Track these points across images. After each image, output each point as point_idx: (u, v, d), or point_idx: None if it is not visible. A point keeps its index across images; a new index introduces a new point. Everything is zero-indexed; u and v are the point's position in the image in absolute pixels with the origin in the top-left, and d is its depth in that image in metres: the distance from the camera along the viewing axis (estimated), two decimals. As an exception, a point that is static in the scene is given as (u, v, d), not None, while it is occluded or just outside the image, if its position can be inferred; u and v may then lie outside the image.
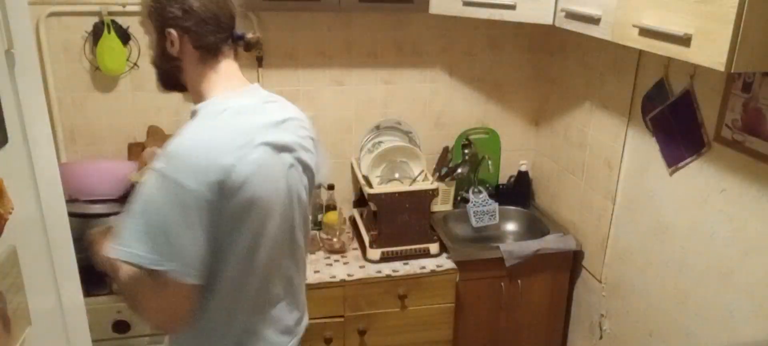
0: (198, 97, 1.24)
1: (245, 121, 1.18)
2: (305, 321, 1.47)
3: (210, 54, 1.22)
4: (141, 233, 1.06)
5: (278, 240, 1.25)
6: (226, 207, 1.10)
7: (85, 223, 1.98)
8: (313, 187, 1.39)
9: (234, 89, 1.24)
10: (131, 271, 1.14)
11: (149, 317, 1.18)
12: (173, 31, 1.18)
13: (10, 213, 0.90)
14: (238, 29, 1.29)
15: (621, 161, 1.99)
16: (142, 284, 1.12)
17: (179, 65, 1.23)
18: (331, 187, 2.32)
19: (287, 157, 1.24)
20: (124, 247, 1.06)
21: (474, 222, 2.36)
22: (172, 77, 1.26)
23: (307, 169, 1.32)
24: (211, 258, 1.13)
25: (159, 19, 1.19)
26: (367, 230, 2.21)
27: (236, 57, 1.29)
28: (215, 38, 1.21)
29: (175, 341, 1.30)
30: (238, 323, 1.26)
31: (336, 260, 2.14)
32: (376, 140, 2.31)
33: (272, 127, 1.22)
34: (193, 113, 1.20)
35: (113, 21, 2.08)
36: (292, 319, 1.39)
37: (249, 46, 1.30)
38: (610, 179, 2.05)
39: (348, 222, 2.38)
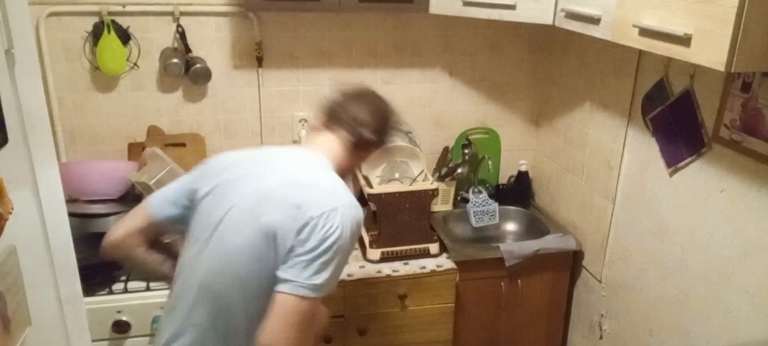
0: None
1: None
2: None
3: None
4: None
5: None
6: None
7: (85, 223, 1.98)
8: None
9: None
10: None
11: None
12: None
13: (10, 213, 0.90)
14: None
15: (621, 161, 1.99)
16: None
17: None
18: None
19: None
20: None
21: (474, 222, 2.36)
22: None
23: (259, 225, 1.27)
24: None
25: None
26: (367, 230, 2.21)
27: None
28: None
29: None
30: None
31: (336, 260, 2.14)
32: (376, 140, 2.30)
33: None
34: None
35: (113, 21, 2.08)
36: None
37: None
38: (610, 178, 2.05)
39: (348, 222, 2.37)
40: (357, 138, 1.45)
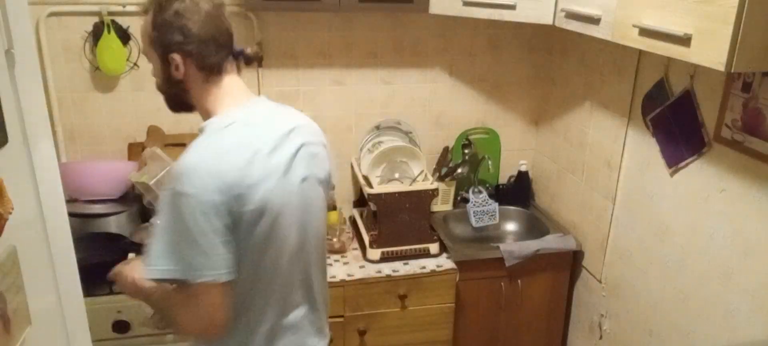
0: (206, 115, 1.27)
1: (252, 133, 1.21)
2: None
3: (213, 73, 1.25)
4: (167, 250, 1.12)
5: (292, 247, 1.27)
6: (242, 213, 1.15)
7: (85, 223, 1.98)
8: (326, 193, 1.41)
9: (239, 104, 1.27)
10: (163, 289, 1.20)
11: (189, 329, 1.21)
12: (176, 56, 1.21)
13: (10, 213, 0.90)
14: (238, 44, 1.32)
15: (621, 161, 1.99)
16: (176, 299, 1.18)
17: (184, 87, 1.26)
18: (331, 187, 2.32)
19: (299, 170, 1.27)
20: (156, 266, 1.12)
21: (474, 222, 2.36)
22: (180, 99, 1.30)
23: (320, 181, 1.35)
24: (235, 258, 1.18)
25: (161, 45, 1.22)
26: (367, 230, 2.21)
27: (239, 72, 1.31)
28: (217, 57, 1.24)
29: None
30: (262, 329, 1.29)
31: (336, 260, 2.14)
32: (376, 140, 2.31)
33: (282, 138, 1.26)
34: (201, 130, 1.22)
35: (113, 21, 2.08)
36: (315, 338, 1.39)
37: (249, 60, 1.33)
38: (610, 179, 2.05)
39: (348, 222, 2.38)
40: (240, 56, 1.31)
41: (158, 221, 1.13)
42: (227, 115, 1.23)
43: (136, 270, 1.29)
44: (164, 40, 1.21)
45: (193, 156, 1.13)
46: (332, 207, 2.31)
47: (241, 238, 1.17)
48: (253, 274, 1.22)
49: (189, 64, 1.22)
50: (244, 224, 1.16)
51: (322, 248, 1.40)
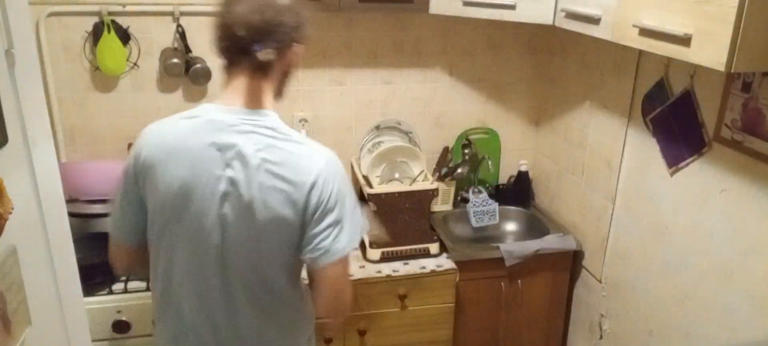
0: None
1: (194, 118, 1.28)
2: None
3: (226, 67, 1.31)
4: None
5: (184, 227, 1.26)
6: (135, 170, 1.30)
7: (85, 223, 1.98)
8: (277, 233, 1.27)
9: (221, 97, 1.30)
10: None
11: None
12: (302, 46, 1.30)
13: (10, 213, 0.90)
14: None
15: (621, 161, 1.99)
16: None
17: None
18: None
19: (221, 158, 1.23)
20: None
21: (474, 222, 2.36)
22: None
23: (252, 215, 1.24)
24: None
25: (297, 33, 1.28)
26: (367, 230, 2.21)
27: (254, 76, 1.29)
28: (222, 56, 1.30)
29: None
30: (155, 298, 1.40)
31: (336, 260, 2.14)
32: (376, 140, 2.31)
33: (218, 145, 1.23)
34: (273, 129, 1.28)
35: (113, 21, 2.07)
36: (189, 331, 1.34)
37: (261, 65, 1.29)
38: (610, 179, 2.05)
39: (348, 222, 2.37)
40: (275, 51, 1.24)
41: None
42: (207, 102, 1.34)
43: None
44: (301, 27, 1.31)
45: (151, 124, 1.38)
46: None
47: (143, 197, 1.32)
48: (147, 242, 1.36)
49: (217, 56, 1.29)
50: (139, 182, 1.31)
51: (249, 287, 1.30)
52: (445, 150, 2.48)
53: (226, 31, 1.21)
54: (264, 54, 1.21)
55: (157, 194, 1.25)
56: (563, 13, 1.75)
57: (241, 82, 1.26)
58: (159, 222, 1.27)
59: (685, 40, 1.26)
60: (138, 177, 1.29)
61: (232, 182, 1.21)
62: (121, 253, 1.39)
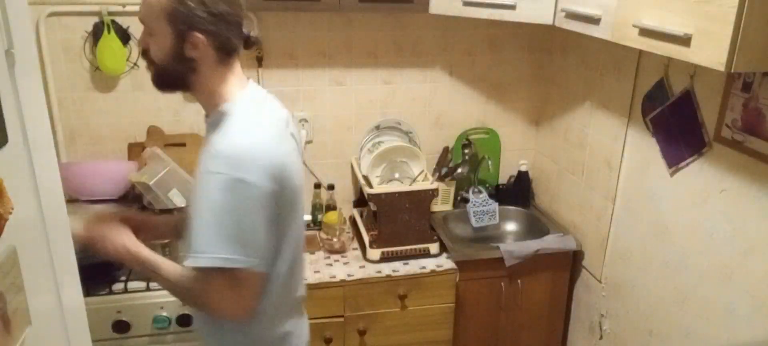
0: (213, 98, 1.23)
1: (273, 115, 1.26)
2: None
3: (229, 56, 1.23)
4: (223, 237, 1.11)
5: (302, 226, 1.35)
6: (283, 196, 1.18)
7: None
8: None
9: (245, 87, 1.27)
10: (193, 273, 1.18)
11: (221, 312, 1.21)
12: (199, 35, 1.16)
13: (10, 213, 0.90)
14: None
15: (621, 161, 1.99)
16: (212, 283, 1.16)
17: (193, 66, 1.20)
18: (331, 187, 2.32)
19: (296, 146, 1.33)
20: (209, 254, 1.12)
21: (474, 222, 2.36)
22: (180, 78, 1.23)
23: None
24: (274, 247, 1.22)
25: (183, 20, 1.15)
26: (367, 230, 2.21)
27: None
28: (235, 40, 1.23)
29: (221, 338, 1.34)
30: (284, 312, 1.34)
31: (336, 260, 2.14)
32: (376, 140, 2.31)
33: (289, 120, 1.32)
34: (223, 114, 1.20)
35: (113, 21, 2.08)
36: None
37: (252, 44, 1.31)
38: (610, 179, 2.05)
39: (348, 222, 2.37)
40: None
41: (206, 205, 1.11)
42: (248, 96, 1.24)
43: (124, 236, 1.27)
44: (186, 16, 1.14)
45: (244, 140, 1.14)
46: (332, 207, 2.31)
47: (283, 222, 1.22)
48: (290, 256, 1.27)
49: (207, 45, 1.17)
50: (285, 207, 1.21)
51: None
52: (445, 150, 2.48)
53: (240, 25, 1.23)
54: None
55: (298, 209, 1.29)
56: (563, 13, 1.75)
57: (238, 63, 1.28)
58: (298, 234, 1.32)
59: (685, 40, 1.26)
60: (281, 202, 1.21)
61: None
62: (262, 284, 1.25)
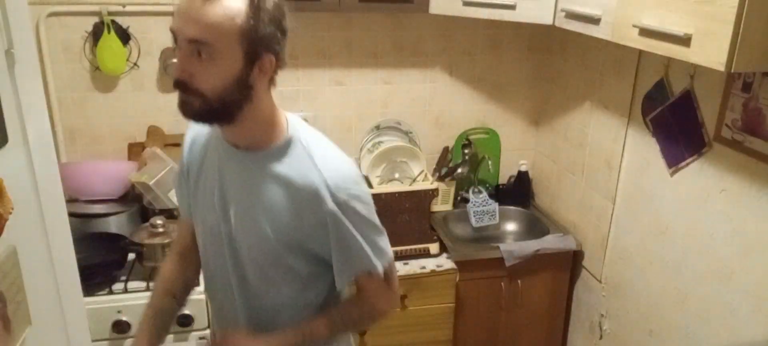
0: (272, 127, 1.10)
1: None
2: None
3: (276, 76, 1.07)
4: (384, 243, 1.19)
5: None
6: None
7: (85, 223, 1.98)
8: None
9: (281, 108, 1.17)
10: (355, 296, 1.25)
11: (387, 311, 1.26)
12: (273, 57, 1.00)
13: (10, 213, 0.90)
14: None
15: (621, 161, 1.99)
16: (380, 288, 1.22)
17: (251, 95, 1.02)
18: None
19: None
20: (382, 260, 1.18)
21: (474, 222, 2.36)
22: (236, 107, 1.02)
23: None
24: None
25: (259, 41, 0.97)
26: (367, 230, 2.21)
27: None
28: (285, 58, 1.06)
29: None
30: None
31: (336, 260, 2.14)
32: (376, 140, 2.31)
33: None
34: (292, 141, 1.12)
35: (113, 21, 2.08)
36: None
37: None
38: (610, 179, 2.05)
39: (348, 222, 2.37)
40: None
41: (356, 229, 1.13)
42: (291, 116, 1.18)
43: (256, 339, 1.18)
44: (263, 36, 0.97)
45: (345, 163, 1.16)
46: None
47: None
48: None
49: (275, 67, 1.03)
50: None
51: None
52: (445, 150, 2.48)
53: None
54: None
55: None
56: (563, 13, 1.75)
57: None
58: None
59: (685, 40, 1.26)
60: None
61: None
62: None
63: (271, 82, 1.07)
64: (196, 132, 1.25)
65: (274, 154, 1.10)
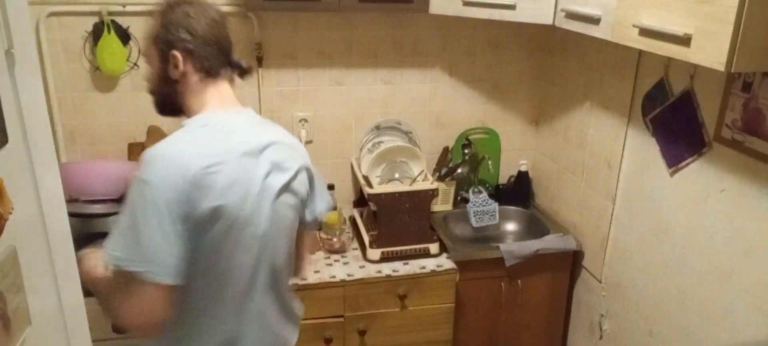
0: (191, 116, 1.29)
1: (228, 136, 1.22)
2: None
3: (210, 76, 1.28)
4: (120, 235, 1.11)
5: (250, 259, 1.26)
6: (195, 213, 1.13)
7: (85, 223, 1.98)
8: (298, 213, 1.38)
9: (224, 109, 1.29)
10: (109, 274, 1.19)
11: (126, 319, 1.17)
12: (178, 53, 1.24)
13: (11, 213, 0.90)
14: (237, 47, 1.36)
15: (621, 161, 1.99)
16: (118, 286, 1.15)
17: (178, 89, 1.28)
18: (331, 187, 2.32)
19: (272, 185, 1.26)
20: (108, 250, 1.12)
21: (474, 222, 2.36)
22: (171, 101, 1.30)
23: (290, 205, 1.33)
24: (186, 261, 1.15)
25: (165, 42, 1.24)
26: (367, 230, 2.21)
27: (232, 84, 1.34)
28: (215, 61, 1.28)
29: None
30: (220, 329, 1.28)
31: (336, 260, 2.14)
32: (376, 140, 2.31)
33: (257, 150, 1.25)
34: (182, 126, 1.25)
35: (113, 21, 2.08)
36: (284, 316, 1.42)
37: (244, 73, 1.37)
38: (610, 178, 2.05)
39: (348, 222, 2.38)
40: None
41: (124, 205, 1.13)
42: (209, 115, 1.25)
43: (94, 258, 1.28)
44: (169, 37, 1.24)
45: (162, 146, 1.15)
46: (332, 207, 2.31)
47: (193, 239, 1.14)
48: (203, 279, 1.20)
49: (188, 63, 1.25)
50: (197, 224, 1.14)
51: (283, 270, 1.38)
52: (445, 150, 2.48)
53: (218, 45, 1.29)
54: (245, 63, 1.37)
55: (237, 238, 1.30)
56: (563, 13, 1.75)
57: (225, 88, 1.32)
58: (230, 265, 1.32)
59: (685, 40, 1.26)
60: (193, 217, 1.19)
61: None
62: (167, 297, 1.22)
63: (203, 81, 1.27)
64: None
65: None
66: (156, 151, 1.14)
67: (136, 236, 1.09)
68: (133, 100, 2.21)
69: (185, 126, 1.24)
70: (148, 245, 1.09)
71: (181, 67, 1.25)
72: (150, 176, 1.10)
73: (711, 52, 1.19)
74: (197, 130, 1.22)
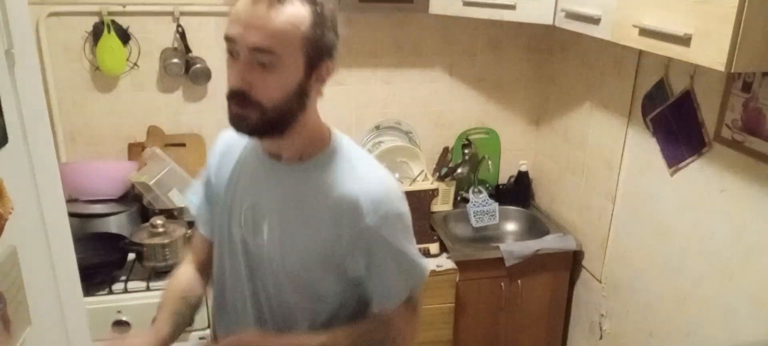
0: (318, 136, 1.08)
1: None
2: None
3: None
4: (415, 264, 1.10)
5: None
6: None
7: (85, 223, 1.98)
8: None
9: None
10: (378, 319, 1.11)
11: (410, 339, 1.14)
12: (331, 64, 1.00)
13: (10, 213, 0.90)
14: None
15: (621, 161, 1.99)
16: (403, 315, 1.11)
17: (307, 103, 1.01)
18: None
19: None
20: (409, 286, 1.09)
21: (474, 222, 2.36)
22: (290, 119, 0.99)
23: None
24: None
25: (316, 47, 0.96)
26: (367, 230, 2.21)
27: None
28: None
29: None
30: None
31: (336, 260, 2.14)
32: (376, 140, 2.31)
33: None
34: (335, 151, 1.08)
35: (113, 21, 2.08)
36: None
37: None
38: (610, 179, 2.05)
39: (348, 222, 2.37)
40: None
41: (395, 246, 1.05)
42: (341, 132, 1.13)
43: (271, 338, 1.11)
44: (323, 41, 0.96)
45: (387, 178, 1.08)
46: None
47: None
48: None
49: (331, 74, 1.01)
50: None
51: None
52: (445, 150, 2.48)
53: None
54: None
55: None
56: (563, 13, 1.75)
57: None
58: None
59: (685, 40, 1.26)
60: None
61: None
62: None
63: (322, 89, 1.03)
64: (230, 143, 1.17)
65: (317, 166, 1.06)
66: (392, 184, 1.07)
67: (418, 261, 1.10)
68: (133, 100, 2.21)
69: (346, 147, 1.09)
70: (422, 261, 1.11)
71: (326, 81, 1.01)
72: (405, 209, 1.07)
73: (711, 52, 1.19)
74: (357, 146, 1.12)
